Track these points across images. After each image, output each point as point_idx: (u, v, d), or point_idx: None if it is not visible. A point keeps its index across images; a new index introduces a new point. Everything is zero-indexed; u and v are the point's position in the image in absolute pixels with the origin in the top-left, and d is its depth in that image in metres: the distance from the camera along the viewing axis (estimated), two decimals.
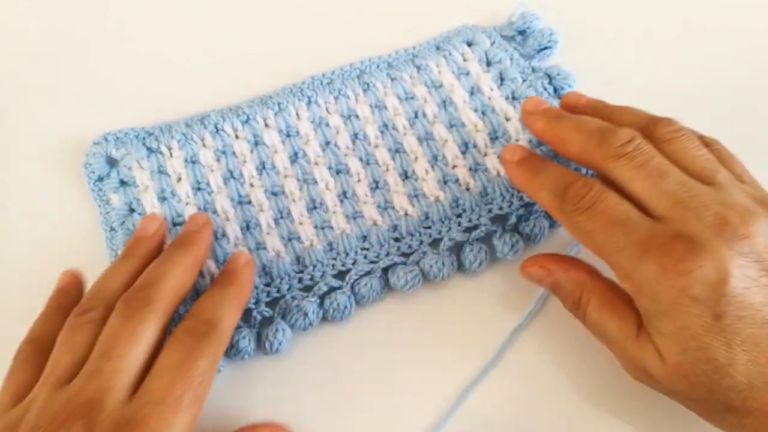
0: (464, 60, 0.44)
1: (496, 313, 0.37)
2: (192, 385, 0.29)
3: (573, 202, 0.31)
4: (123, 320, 0.30)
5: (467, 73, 0.43)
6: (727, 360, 0.27)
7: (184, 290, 0.33)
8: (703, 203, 0.29)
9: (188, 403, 0.28)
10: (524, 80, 0.43)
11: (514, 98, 0.42)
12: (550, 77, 0.43)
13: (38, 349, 0.32)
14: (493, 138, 0.41)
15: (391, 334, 0.37)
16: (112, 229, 0.39)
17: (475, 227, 0.39)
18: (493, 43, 0.45)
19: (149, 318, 0.30)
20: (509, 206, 0.39)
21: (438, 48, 0.44)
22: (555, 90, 0.43)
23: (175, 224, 0.39)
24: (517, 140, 0.40)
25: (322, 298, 0.37)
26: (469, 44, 0.45)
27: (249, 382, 0.36)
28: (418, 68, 0.43)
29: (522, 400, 0.35)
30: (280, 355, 0.37)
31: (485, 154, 0.40)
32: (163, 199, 0.39)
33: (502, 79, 0.43)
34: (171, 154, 0.40)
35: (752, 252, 0.28)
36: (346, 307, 0.37)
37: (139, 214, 0.39)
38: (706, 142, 0.33)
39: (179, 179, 0.40)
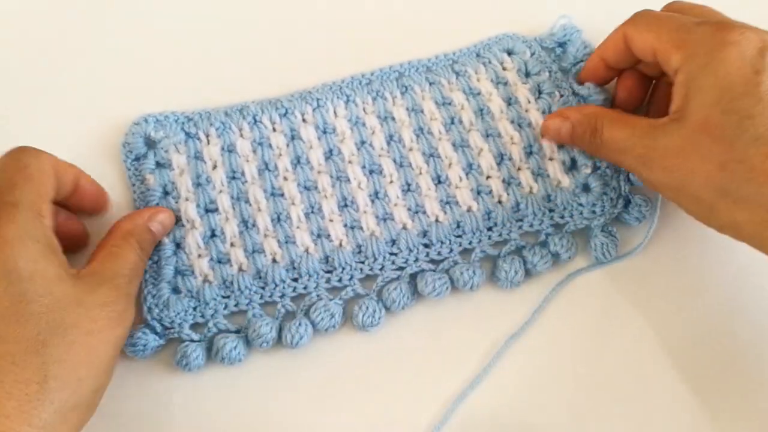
0: (503, 69, 0.44)
1: (490, 325, 0.38)
2: (18, 168, 0.33)
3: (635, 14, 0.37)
4: None
5: (505, 83, 0.43)
6: (755, 111, 0.31)
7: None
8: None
9: (22, 179, 0.32)
10: (561, 95, 0.42)
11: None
12: (584, 98, 0.41)
13: None
14: (528, 153, 0.41)
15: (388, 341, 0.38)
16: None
17: (506, 242, 0.39)
18: (533, 54, 0.44)
19: None
20: (540, 224, 0.39)
21: (478, 55, 0.44)
22: None
23: (208, 211, 0.39)
24: (551, 159, 0.40)
25: (347, 302, 0.38)
26: (509, 53, 0.44)
27: (259, 379, 0.37)
28: (457, 74, 0.43)
29: (519, 407, 0.36)
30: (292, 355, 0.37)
31: (519, 169, 0.40)
32: (198, 185, 0.39)
33: (539, 92, 0.43)
34: (208, 141, 0.41)
35: None
36: (375, 312, 0.37)
37: (174, 197, 0.39)
38: None
39: (215, 166, 0.40)
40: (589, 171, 0.40)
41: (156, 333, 0.36)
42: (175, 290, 0.37)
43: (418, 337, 0.38)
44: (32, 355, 0.29)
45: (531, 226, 0.39)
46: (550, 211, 0.39)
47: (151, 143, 0.41)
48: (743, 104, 0.31)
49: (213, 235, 0.39)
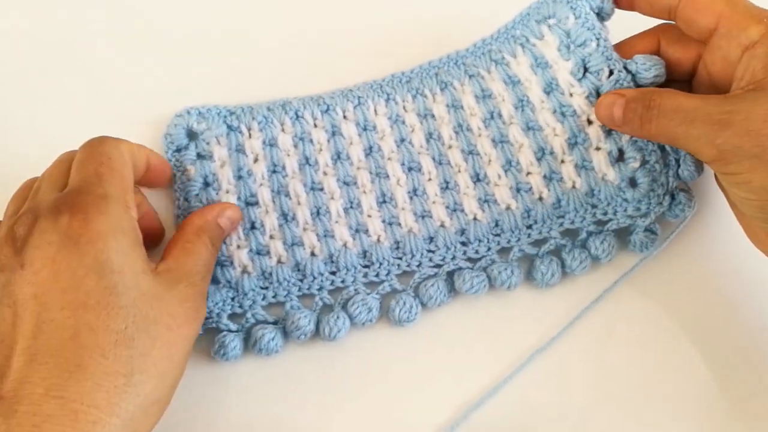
0: (543, 44, 0.40)
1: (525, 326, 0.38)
2: (102, 161, 0.33)
3: None
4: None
5: (545, 64, 0.40)
6: None
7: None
8: None
9: (107, 171, 0.32)
10: (611, 72, 0.38)
11: (599, 96, 0.38)
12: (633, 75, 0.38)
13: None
14: (572, 144, 0.39)
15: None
16: (186, 199, 0.40)
17: (545, 240, 0.38)
18: (578, 18, 0.39)
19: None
20: (581, 221, 0.38)
21: (514, 37, 0.41)
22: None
23: (248, 204, 0.39)
24: (597, 149, 0.39)
25: (384, 297, 0.38)
26: (548, 21, 0.40)
27: (295, 369, 0.37)
28: (495, 62, 0.42)
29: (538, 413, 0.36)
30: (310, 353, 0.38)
31: (562, 161, 0.39)
32: (239, 177, 0.40)
33: (585, 70, 0.39)
34: (250, 135, 0.41)
35: None
36: (412, 307, 0.37)
37: (214, 189, 0.40)
38: None
39: (256, 159, 0.40)
40: (637, 165, 0.38)
41: None
42: (214, 280, 0.38)
43: (451, 335, 0.38)
44: (121, 347, 0.29)
45: (572, 223, 0.38)
46: (593, 207, 0.38)
47: (192, 135, 0.41)
48: None
49: (253, 227, 0.39)
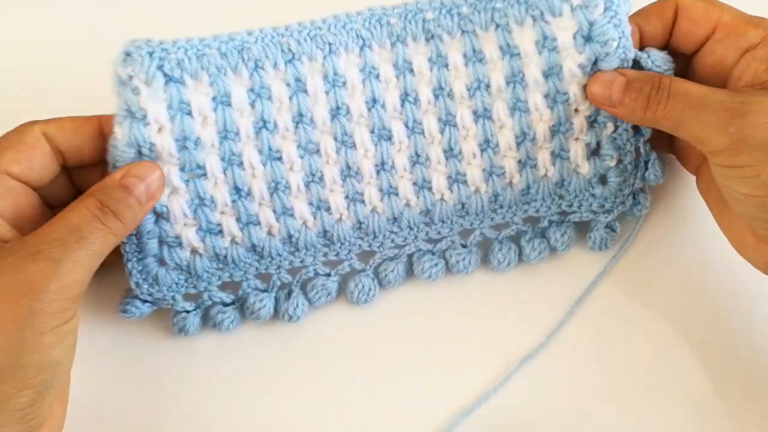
0: (558, 19, 0.34)
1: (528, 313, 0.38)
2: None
3: None
4: None
5: (553, 47, 0.35)
6: None
7: None
8: None
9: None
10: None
11: None
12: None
13: None
14: (554, 131, 0.37)
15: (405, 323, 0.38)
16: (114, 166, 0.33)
17: (506, 224, 0.38)
18: (608, 9, 0.34)
19: None
20: (546, 210, 0.38)
21: (528, 4, 0.35)
22: None
23: (195, 176, 0.35)
24: (577, 139, 0.37)
25: (344, 276, 0.37)
26: (572, 3, 0.34)
27: (254, 345, 0.37)
28: (497, 25, 0.35)
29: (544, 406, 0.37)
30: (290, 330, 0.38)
31: (540, 148, 0.37)
32: (184, 147, 0.34)
33: (594, 65, 0.35)
34: (196, 87, 0.33)
35: None
36: (370, 290, 0.37)
37: (150, 160, 0.33)
38: None
39: (205, 121, 0.34)
40: (613, 164, 0.37)
41: (148, 302, 0.35)
42: (161, 263, 0.35)
43: (413, 318, 0.39)
44: None
45: (537, 211, 0.38)
46: (560, 197, 0.38)
47: (121, 83, 0.33)
48: None
49: (202, 203, 0.35)
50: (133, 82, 0.33)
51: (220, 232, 0.35)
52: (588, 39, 0.34)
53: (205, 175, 0.35)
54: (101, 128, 0.33)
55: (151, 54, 0.32)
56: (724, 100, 0.31)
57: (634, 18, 0.36)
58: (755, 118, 0.30)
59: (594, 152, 0.38)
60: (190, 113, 0.34)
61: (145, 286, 0.35)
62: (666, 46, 0.36)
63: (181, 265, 0.35)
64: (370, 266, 0.38)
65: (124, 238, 0.33)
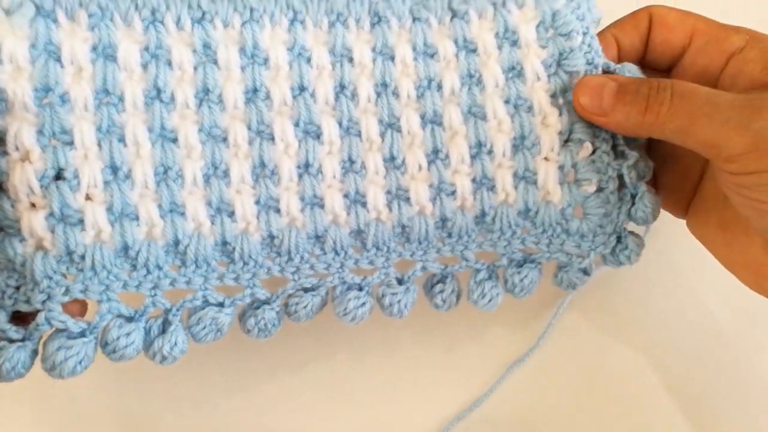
0: (521, 10, 0.31)
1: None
2: None
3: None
4: None
5: (515, 41, 0.31)
6: None
7: None
8: None
9: None
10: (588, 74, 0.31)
11: (564, 100, 0.31)
12: None
13: None
14: (517, 146, 0.31)
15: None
16: None
17: (454, 259, 0.31)
18: (571, 0, 0.31)
19: None
20: (505, 246, 0.31)
21: None
22: None
23: (56, 139, 0.26)
24: (546, 159, 0.31)
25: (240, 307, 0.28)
26: None
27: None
28: (453, 13, 0.31)
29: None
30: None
31: (499, 165, 0.31)
32: (41, 100, 0.26)
33: (558, 65, 0.31)
34: (73, 29, 0.27)
35: None
36: (273, 326, 0.28)
37: None
38: None
39: (79, 73, 0.26)
40: (592, 189, 0.31)
41: None
42: None
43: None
44: None
45: (494, 246, 0.31)
46: (524, 231, 0.31)
47: None
48: None
49: (58, 176, 0.26)
50: None
51: (81, 221, 0.26)
52: (549, 31, 0.31)
53: (71, 144, 0.26)
54: None
55: None
56: (734, 98, 0.27)
57: (610, 30, 0.33)
58: None
59: (569, 177, 0.31)
60: (59, 60, 0.26)
61: None
62: (643, 61, 0.32)
63: (13, 262, 0.25)
64: (279, 296, 0.29)
65: None
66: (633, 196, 0.31)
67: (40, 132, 0.26)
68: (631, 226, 0.32)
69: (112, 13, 0.27)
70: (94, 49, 0.27)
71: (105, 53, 0.27)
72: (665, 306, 0.38)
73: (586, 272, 0.31)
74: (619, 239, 0.31)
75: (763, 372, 0.38)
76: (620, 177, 0.31)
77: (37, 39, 0.26)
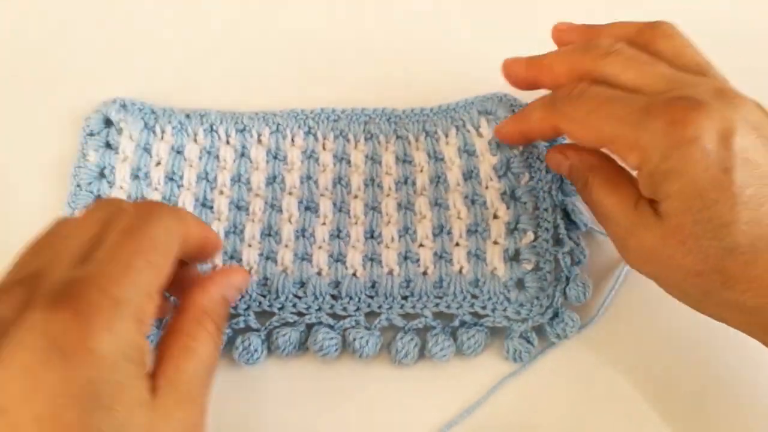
0: (478, 135, 0.40)
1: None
2: (142, 248, 0.26)
3: (564, 94, 0.32)
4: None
5: (473, 152, 0.40)
6: (731, 218, 0.27)
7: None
8: (697, 82, 0.30)
9: (142, 266, 0.25)
10: (531, 177, 0.38)
11: (512, 197, 0.38)
12: (565, 211, 0.38)
13: None
14: (472, 231, 0.38)
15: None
16: (78, 185, 0.39)
17: (416, 316, 0.36)
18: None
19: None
20: (458, 308, 0.36)
21: (453, 118, 0.41)
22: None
23: None
24: (495, 243, 0.38)
25: (235, 331, 0.36)
26: (488, 116, 0.40)
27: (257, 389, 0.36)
28: (426, 133, 0.41)
29: None
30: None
31: (457, 244, 0.38)
32: (135, 176, 0.39)
33: (507, 169, 0.39)
34: (162, 137, 0.41)
35: (748, 119, 0.28)
36: (256, 351, 0.35)
37: (109, 182, 0.39)
38: None
39: (158, 163, 0.40)
40: (530, 267, 0.37)
41: None
42: None
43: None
44: None
45: (448, 307, 0.37)
46: (473, 297, 0.37)
47: (109, 124, 0.41)
48: (717, 212, 0.28)
49: None
50: (119, 125, 0.40)
51: None
52: (499, 144, 0.40)
53: None
54: (203, 241, 0.31)
55: (140, 109, 0.41)
56: (621, 219, 0.32)
57: (519, 128, 0.37)
58: (634, 252, 0.32)
59: (513, 257, 0.38)
60: (149, 153, 0.40)
61: None
62: None
63: None
64: (266, 328, 0.36)
65: None
66: (567, 278, 0.36)
67: (129, 197, 0.39)
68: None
69: (187, 126, 0.41)
70: (172, 147, 0.40)
71: (178, 150, 0.40)
72: (665, 306, 0.36)
73: (528, 341, 0.36)
74: (557, 314, 0.36)
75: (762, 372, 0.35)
76: (557, 260, 0.37)
77: (140, 141, 0.40)
